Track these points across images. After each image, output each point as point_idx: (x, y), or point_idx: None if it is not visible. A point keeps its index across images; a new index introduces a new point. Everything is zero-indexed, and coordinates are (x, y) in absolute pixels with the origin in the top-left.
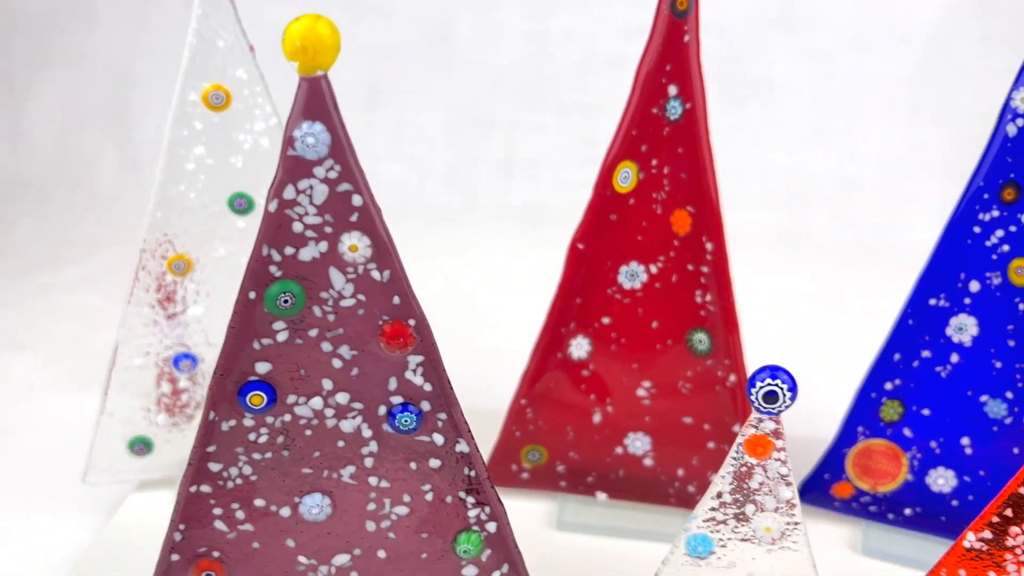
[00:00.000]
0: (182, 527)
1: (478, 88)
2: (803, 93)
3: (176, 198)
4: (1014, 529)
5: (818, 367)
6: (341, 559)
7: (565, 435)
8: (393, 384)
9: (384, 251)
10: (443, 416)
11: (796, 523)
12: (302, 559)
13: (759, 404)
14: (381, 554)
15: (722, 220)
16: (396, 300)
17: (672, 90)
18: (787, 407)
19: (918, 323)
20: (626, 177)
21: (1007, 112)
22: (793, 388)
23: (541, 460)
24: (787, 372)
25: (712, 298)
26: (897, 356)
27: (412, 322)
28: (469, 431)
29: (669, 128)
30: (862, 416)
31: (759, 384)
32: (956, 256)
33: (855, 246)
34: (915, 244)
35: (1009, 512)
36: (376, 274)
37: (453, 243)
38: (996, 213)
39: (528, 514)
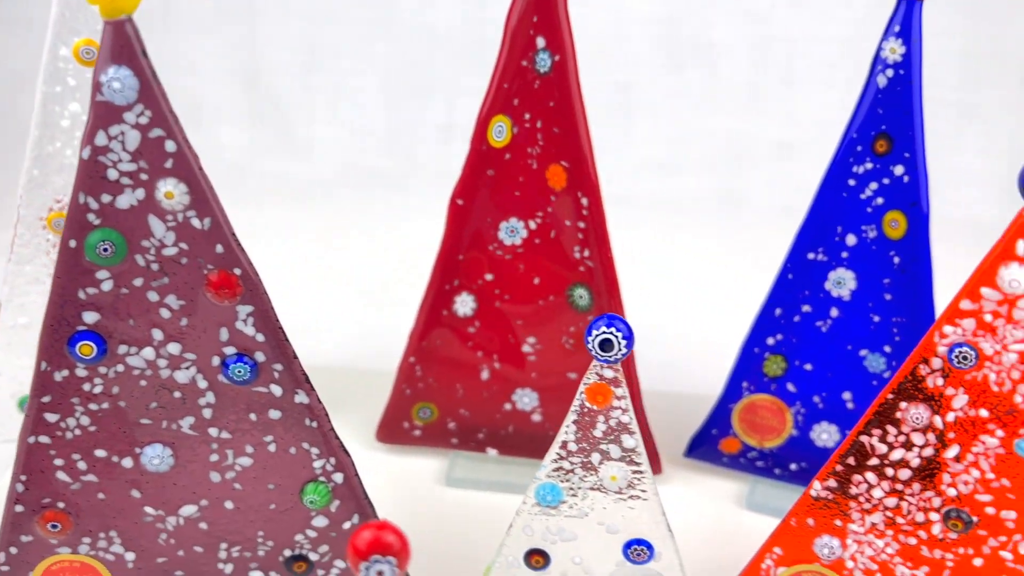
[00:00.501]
0: (23, 478)
1: (417, 51)
2: (742, 56)
3: (53, 155)
4: (856, 477)
5: (735, 327)
6: (188, 510)
7: (455, 392)
8: (224, 335)
9: (203, 198)
10: (279, 367)
11: (641, 472)
12: (149, 510)
13: (596, 352)
14: (228, 505)
15: (596, 175)
16: (219, 249)
17: (540, 42)
18: (623, 355)
19: (797, 277)
20: (500, 131)
21: (877, 63)
22: (628, 337)
23: (432, 417)
24: (623, 321)
25: (590, 253)
26: (778, 311)
27: (238, 271)
28: (308, 382)
29: (540, 81)
30: (746, 371)
31: (595, 332)
32: (833, 209)
33: (793, 210)
34: None
35: (851, 460)
36: (196, 222)
37: (392, 207)
38: (869, 165)
39: (420, 471)
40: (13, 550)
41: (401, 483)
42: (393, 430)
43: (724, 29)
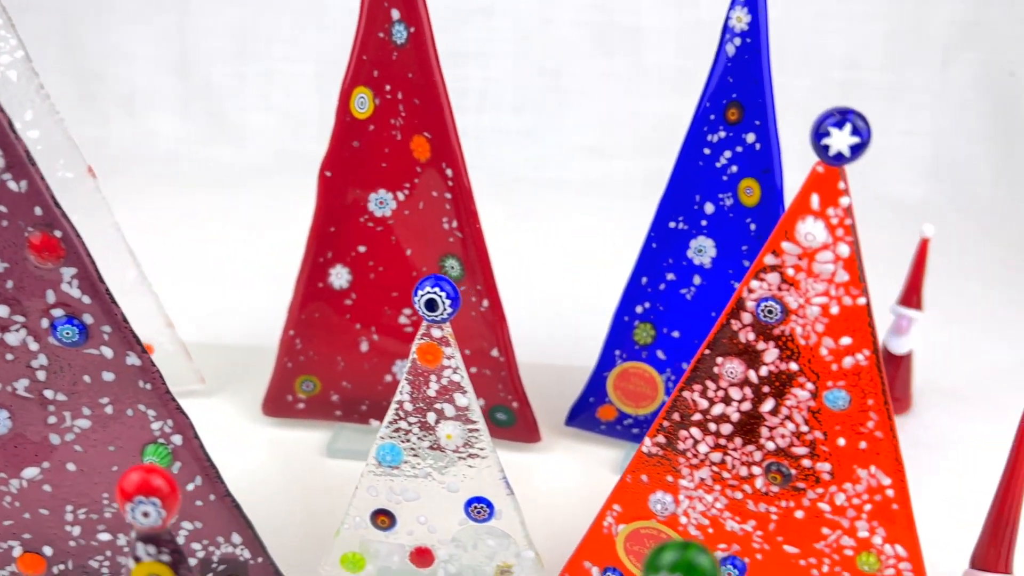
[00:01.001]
0: None
1: (347, 38)
2: (670, 41)
3: None
4: (683, 433)
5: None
6: (30, 472)
7: (336, 365)
8: (51, 297)
9: (18, 161)
10: (108, 329)
11: (478, 430)
12: None
13: (423, 312)
14: (71, 467)
15: (459, 147)
16: (38, 211)
17: (395, 14)
18: (449, 315)
19: (661, 246)
20: (362, 103)
21: (726, 32)
22: (453, 297)
23: (315, 390)
24: (448, 282)
25: (458, 224)
26: (644, 280)
27: (59, 233)
28: (139, 344)
29: (397, 52)
30: (618, 340)
31: (420, 293)
32: (691, 178)
33: None
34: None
35: (677, 416)
36: (13, 185)
37: None
38: (723, 134)
39: (303, 442)
40: None
41: (285, 455)
42: (278, 404)
43: (652, 15)
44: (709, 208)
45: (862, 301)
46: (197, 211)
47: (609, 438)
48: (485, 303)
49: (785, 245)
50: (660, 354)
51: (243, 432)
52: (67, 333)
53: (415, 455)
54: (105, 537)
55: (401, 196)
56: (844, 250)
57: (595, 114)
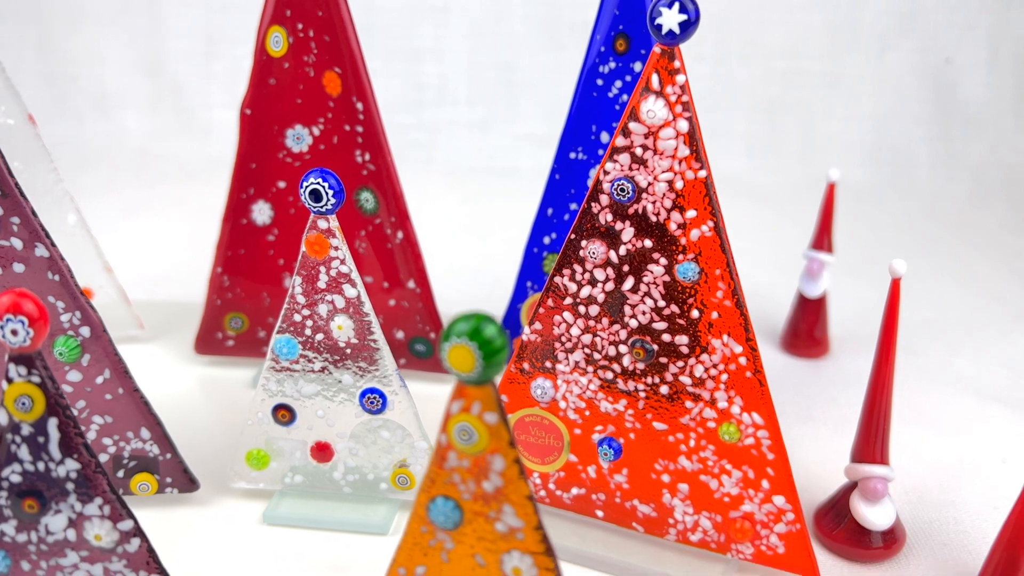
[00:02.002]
0: None
1: None
2: None
3: None
4: (557, 318)
5: None
6: None
7: (262, 301)
8: None
9: None
10: (16, 220)
11: (369, 321)
12: None
13: (308, 203)
14: None
15: (369, 81)
16: None
17: None
18: (334, 206)
19: (564, 177)
20: (277, 41)
21: None
22: (337, 189)
23: (243, 327)
24: (333, 175)
25: (371, 157)
26: (550, 211)
27: None
28: (49, 237)
29: None
30: (529, 272)
31: (304, 184)
32: (587, 109)
33: None
34: (724, 172)
35: (550, 302)
36: None
37: None
38: (613, 65)
39: (232, 380)
40: None
41: (215, 391)
42: (208, 341)
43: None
44: (604, 137)
45: (702, 174)
46: (163, 200)
47: None
48: (400, 235)
49: (632, 125)
50: None
51: (176, 371)
52: None
53: (310, 348)
54: None
55: (316, 131)
56: (683, 125)
57: (546, 105)
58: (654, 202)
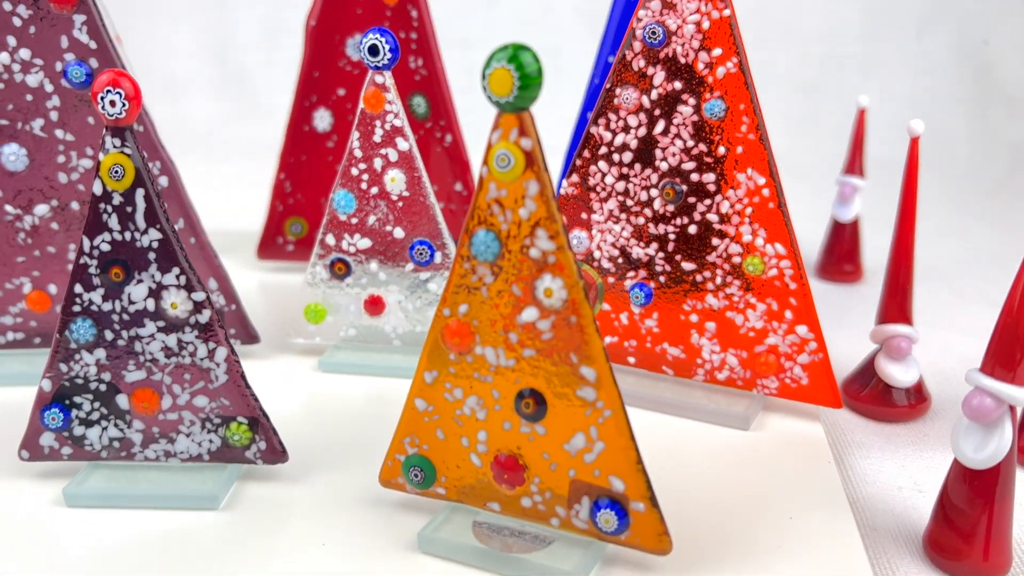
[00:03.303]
0: None
1: None
2: None
3: None
4: (592, 168)
5: None
6: (41, 209)
7: (321, 206)
8: (64, 42)
9: None
10: None
11: (419, 177)
12: (8, 208)
13: (366, 58)
14: (75, 205)
15: None
16: None
17: None
18: (390, 61)
19: (601, 80)
20: None
21: None
22: (393, 46)
23: (303, 232)
24: (390, 33)
25: (423, 63)
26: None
27: None
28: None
29: None
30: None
31: (364, 40)
32: (624, 23)
33: None
34: None
35: (587, 154)
36: None
37: None
38: None
39: (292, 284)
40: None
41: (275, 293)
42: (270, 247)
43: None
44: None
45: (727, 13)
46: (229, 176)
47: None
48: (448, 138)
49: None
50: None
51: (238, 277)
52: (76, 73)
53: (366, 202)
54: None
55: None
56: None
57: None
58: (683, 44)
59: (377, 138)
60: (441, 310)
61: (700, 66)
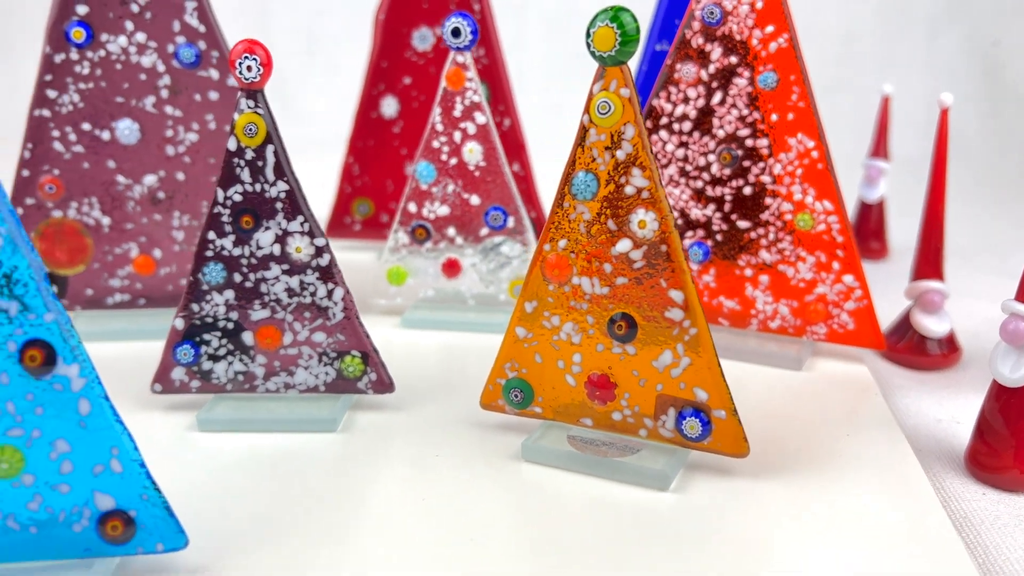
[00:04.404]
0: (30, 146)
1: None
2: None
3: None
4: (654, 137)
5: None
6: (150, 179)
7: (386, 187)
8: (176, 26)
9: None
10: (216, 54)
11: (495, 149)
12: (120, 178)
13: (449, 40)
14: (180, 176)
15: None
16: None
17: None
18: (470, 42)
19: (651, 67)
20: None
21: None
22: (473, 28)
23: (369, 212)
24: (470, 17)
25: (485, 52)
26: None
27: None
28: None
29: None
30: None
31: (447, 24)
32: (671, 7)
33: None
34: None
35: (649, 124)
36: None
37: None
38: None
39: (359, 262)
40: (20, 210)
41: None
42: (338, 226)
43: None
44: None
45: None
46: None
47: None
48: (507, 122)
49: None
50: None
51: None
52: (187, 55)
53: (446, 172)
54: None
55: (439, 31)
56: None
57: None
58: (738, 22)
59: (457, 113)
60: (541, 246)
61: (754, 42)
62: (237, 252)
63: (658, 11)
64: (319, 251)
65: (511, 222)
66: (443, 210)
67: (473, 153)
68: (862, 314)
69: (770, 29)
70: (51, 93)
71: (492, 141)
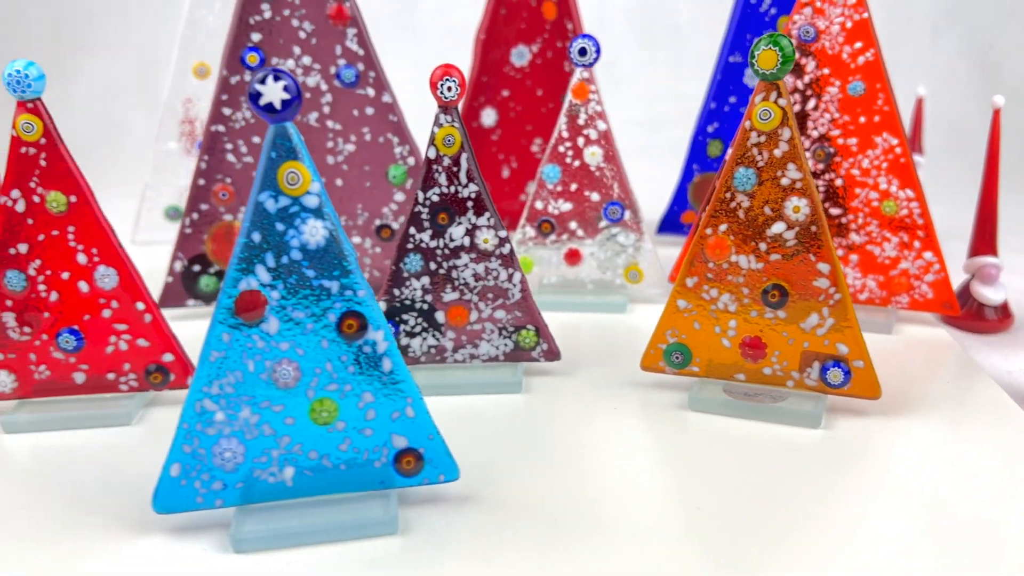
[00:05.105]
0: (206, 158)
1: (440, 48)
2: (703, 33)
3: (198, 21)
4: None
5: None
6: None
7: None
8: (339, 50)
9: None
10: (372, 74)
11: (613, 155)
12: None
13: (576, 58)
14: (339, 183)
15: (575, 3)
16: None
17: None
18: (595, 60)
19: (724, 77)
20: None
21: None
22: (597, 48)
23: None
24: (594, 38)
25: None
26: (713, 105)
27: (348, 3)
28: (389, 86)
29: None
30: (695, 156)
31: (574, 44)
32: (743, 21)
33: None
34: None
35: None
36: None
37: None
38: None
39: None
40: (195, 215)
41: None
42: None
43: (687, 13)
44: None
45: (866, 15)
46: None
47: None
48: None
49: None
50: None
51: None
52: (348, 75)
53: (569, 173)
54: (356, 240)
55: (535, 48)
56: None
57: (642, 95)
58: (830, 39)
59: (581, 121)
60: (703, 231)
61: (844, 56)
62: (433, 244)
63: (730, 27)
64: (502, 241)
65: (627, 215)
66: (566, 206)
67: (595, 156)
68: (940, 285)
69: (858, 45)
70: (226, 111)
71: (611, 145)
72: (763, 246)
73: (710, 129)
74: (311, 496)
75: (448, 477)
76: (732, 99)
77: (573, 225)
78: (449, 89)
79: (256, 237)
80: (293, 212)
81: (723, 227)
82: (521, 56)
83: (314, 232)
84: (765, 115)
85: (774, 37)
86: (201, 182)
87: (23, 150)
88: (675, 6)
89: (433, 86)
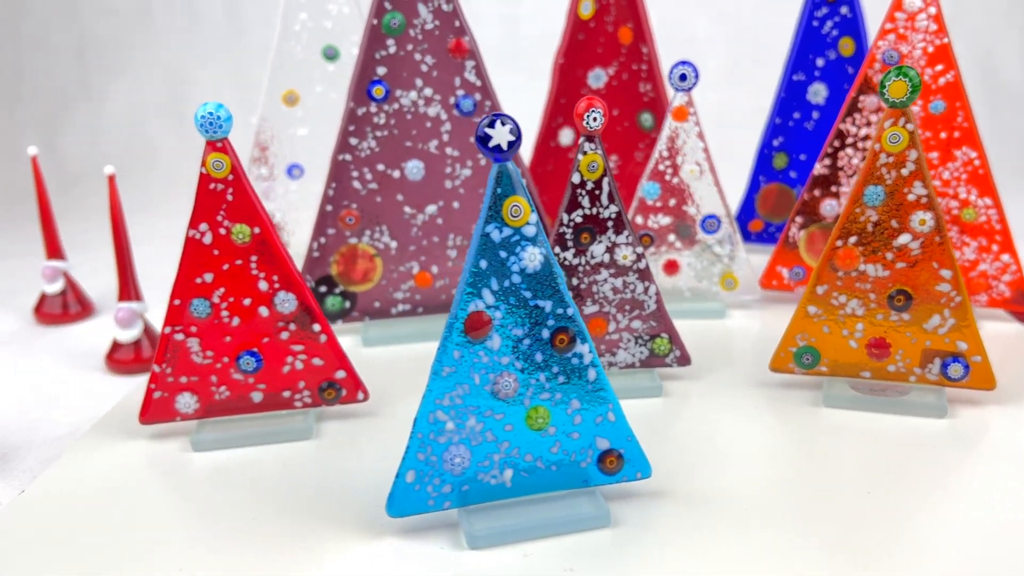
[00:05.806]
0: (333, 186)
1: None
2: (720, 45)
3: (287, 52)
4: (841, 154)
5: None
6: (431, 208)
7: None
8: (457, 81)
9: None
10: (488, 103)
11: (703, 171)
12: (407, 209)
13: (675, 83)
14: (455, 205)
15: (649, 28)
16: (456, 23)
17: None
18: (694, 85)
19: (787, 94)
20: (586, 8)
21: None
22: (696, 73)
23: (549, 225)
24: (693, 65)
25: (651, 87)
26: (778, 120)
27: (467, 38)
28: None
29: None
30: (761, 168)
31: (674, 70)
32: (806, 42)
33: None
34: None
35: (836, 143)
36: (445, 5)
37: None
38: (825, 10)
39: None
40: (322, 239)
41: None
42: None
43: (704, 27)
44: (820, 62)
45: (947, 40)
46: None
47: (755, 244)
48: None
49: (897, 15)
50: (792, 174)
51: None
52: (467, 105)
53: (668, 189)
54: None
55: (611, 71)
56: (932, 10)
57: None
58: (912, 63)
59: (679, 142)
60: (833, 242)
61: (926, 78)
62: (576, 261)
63: (793, 47)
64: (639, 257)
65: (723, 227)
66: (665, 220)
67: (693, 173)
68: (1016, 284)
69: (939, 67)
70: (352, 140)
71: (709, 162)
72: (890, 255)
73: (775, 143)
74: (526, 495)
75: (644, 475)
76: (796, 115)
77: (671, 238)
78: (595, 120)
79: (483, 264)
80: (515, 241)
81: (852, 239)
82: (598, 79)
83: (532, 258)
84: (894, 138)
85: (903, 69)
86: (328, 208)
87: (212, 186)
88: (692, 19)
89: (579, 117)
